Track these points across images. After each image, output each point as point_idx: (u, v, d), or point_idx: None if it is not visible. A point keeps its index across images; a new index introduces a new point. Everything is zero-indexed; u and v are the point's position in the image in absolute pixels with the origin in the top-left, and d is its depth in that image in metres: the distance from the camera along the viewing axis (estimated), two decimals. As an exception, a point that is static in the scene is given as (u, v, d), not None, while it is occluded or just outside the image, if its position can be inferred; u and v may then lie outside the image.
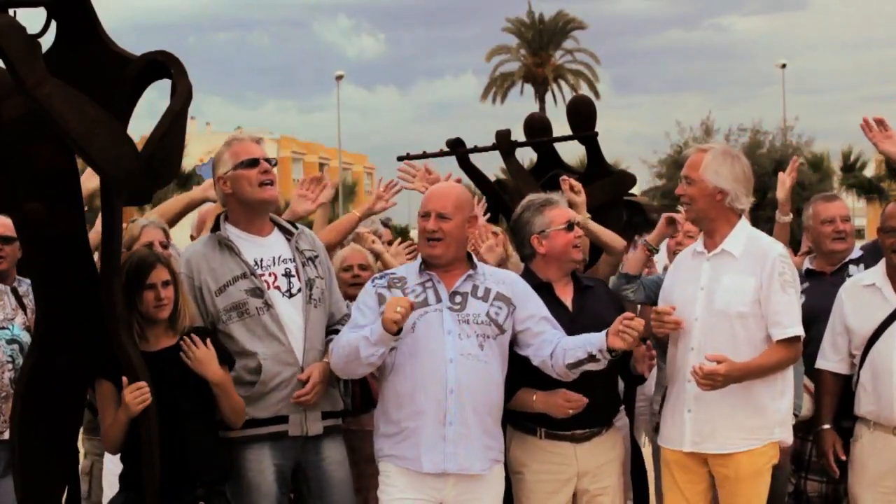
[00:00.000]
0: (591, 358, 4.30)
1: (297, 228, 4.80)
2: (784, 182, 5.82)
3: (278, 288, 4.60)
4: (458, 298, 4.43)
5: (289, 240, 4.72)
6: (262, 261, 4.62)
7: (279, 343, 4.54)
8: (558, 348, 4.39)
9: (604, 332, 4.26)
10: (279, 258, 4.66)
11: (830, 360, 5.07)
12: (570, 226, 4.75)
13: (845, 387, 5.07)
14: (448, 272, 4.49)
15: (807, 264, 5.73)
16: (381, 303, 4.36)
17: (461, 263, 4.53)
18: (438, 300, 4.42)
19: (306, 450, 4.59)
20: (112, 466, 5.06)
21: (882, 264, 5.03)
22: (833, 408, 5.05)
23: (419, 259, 4.55)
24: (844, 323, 5.01)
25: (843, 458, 4.94)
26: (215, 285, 4.56)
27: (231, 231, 4.67)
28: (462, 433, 4.32)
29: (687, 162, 4.69)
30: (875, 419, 4.88)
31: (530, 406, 4.57)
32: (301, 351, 4.57)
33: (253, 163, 4.62)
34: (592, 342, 4.30)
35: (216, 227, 4.68)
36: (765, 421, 4.54)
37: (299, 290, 4.62)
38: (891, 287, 4.94)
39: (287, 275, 4.63)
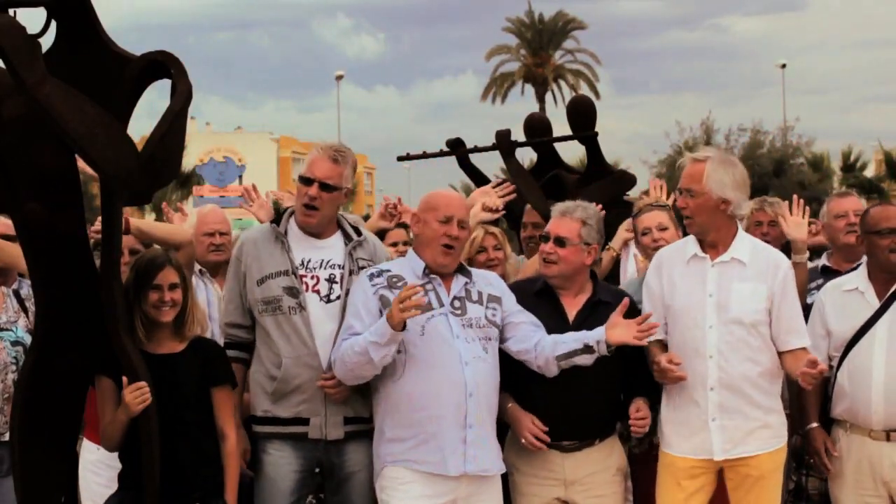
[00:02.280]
0: (587, 349, 4.31)
1: (360, 235, 4.72)
2: (802, 225, 5.46)
3: (317, 292, 4.56)
4: (458, 303, 4.45)
5: (346, 245, 4.67)
6: (308, 261, 4.59)
7: (304, 346, 4.51)
8: (546, 339, 4.39)
9: (604, 326, 4.28)
10: (327, 262, 4.61)
11: None
12: (543, 237, 4.67)
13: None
14: (446, 276, 4.50)
15: (823, 261, 5.68)
16: (386, 305, 4.33)
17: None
18: (441, 304, 4.43)
19: (328, 452, 4.57)
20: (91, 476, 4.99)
21: (863, 268, 4.98)
22: (818, 406, 5.00)
23: (415, 258, 4.50)
24: (826, 326, 4.94)
25: (835, 454, 4.88)
26: (258, 275, 4.57)
27: (291, 227, 4.66)
28: (480, 435, 4.34)
29: (685, 173, 4.57)
30: (852, 420, 4.85)
31: (502, 412, 4.53)
32: (326, 357, 4.50)
33: (307, 181, 4.59)
34: (590, 335, 4.31)
35: (278, 220, 4.69)
36: (782, 417, 4.63)
37: (338, 298, 4.57)
38: (873, 291, 4.89)
39: (330, 280, 4.59)
